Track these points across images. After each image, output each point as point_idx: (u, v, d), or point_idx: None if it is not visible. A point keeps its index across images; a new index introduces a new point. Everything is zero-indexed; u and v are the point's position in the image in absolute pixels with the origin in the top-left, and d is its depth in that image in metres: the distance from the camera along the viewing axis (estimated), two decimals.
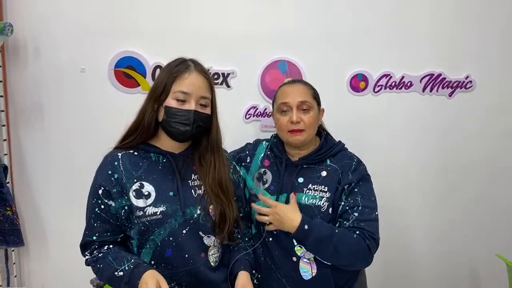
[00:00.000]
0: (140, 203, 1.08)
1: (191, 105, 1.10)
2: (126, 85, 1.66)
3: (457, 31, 1.68)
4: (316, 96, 1.32)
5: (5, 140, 1.68)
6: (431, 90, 1.71)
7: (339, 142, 1.36)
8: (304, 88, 1.30)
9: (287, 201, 1.24)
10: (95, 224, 1.09)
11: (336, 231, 1.17)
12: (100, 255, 1.08)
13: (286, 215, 1.18)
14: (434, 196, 1.80)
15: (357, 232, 1.17)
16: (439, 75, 1.69)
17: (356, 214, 1.19)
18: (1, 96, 1.65)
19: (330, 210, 1.22)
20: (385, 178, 1.72)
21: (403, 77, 1.69)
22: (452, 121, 1.74)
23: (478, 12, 1.68)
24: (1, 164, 1.60)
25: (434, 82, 1.70)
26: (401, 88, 1.70)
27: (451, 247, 1.83)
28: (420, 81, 1.70)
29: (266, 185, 1.30)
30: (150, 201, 1.08)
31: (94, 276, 1.15)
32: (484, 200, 1.80)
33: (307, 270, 1.21)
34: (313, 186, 1.24)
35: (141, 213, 1.07)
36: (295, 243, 1.22)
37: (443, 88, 1.71)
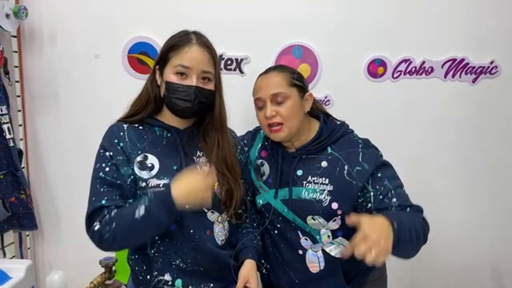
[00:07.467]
0: (143, 174, 1.05)
1: (192, 81, 1.05)
2: (140, 71, 1.66)
3: (480, 13, 1.60)
4: (295, 82, 1.18)
5: (20, 125, 1.70)
6: (453, 76, 1.64)
7: (342, 124, 1.24)
8: (278, 77, 1.17)
9: (290, 196, 1.17)
10: (102, 189, 1.02)
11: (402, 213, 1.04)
12: (112, 214, 0.98)
13: (376, 227, 0.88)
14: (454, 186, 1.73)
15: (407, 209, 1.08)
16: (462, 60, 1.62)
17: (394, 199, 1.09)
18: (17, 82, 1.67)
19: (334, 205, 1.13)
20: (404, 167, 1.65)
21: (423, 62, 1.62)
22: (476, 109, 1.66)
23: None
24: (16, 149, 1.62)
25: (456, 67, 1.63)
26: (421, 74, 1.64)
27: (475, 243, 1.76)
28: (442, 66, 1.63)
29: (264, 178, 1.24)
30: (153, 173, 1.05)
31: (104, 256, 1.14)
32: (510, 190, 1.72)
33: (315, 263, 1.17)
34: (313, 179, 1.15)
35: (144, 184, 1.04)
36: (301, 236, 1.17)
37: (466, 74, 1.63)
